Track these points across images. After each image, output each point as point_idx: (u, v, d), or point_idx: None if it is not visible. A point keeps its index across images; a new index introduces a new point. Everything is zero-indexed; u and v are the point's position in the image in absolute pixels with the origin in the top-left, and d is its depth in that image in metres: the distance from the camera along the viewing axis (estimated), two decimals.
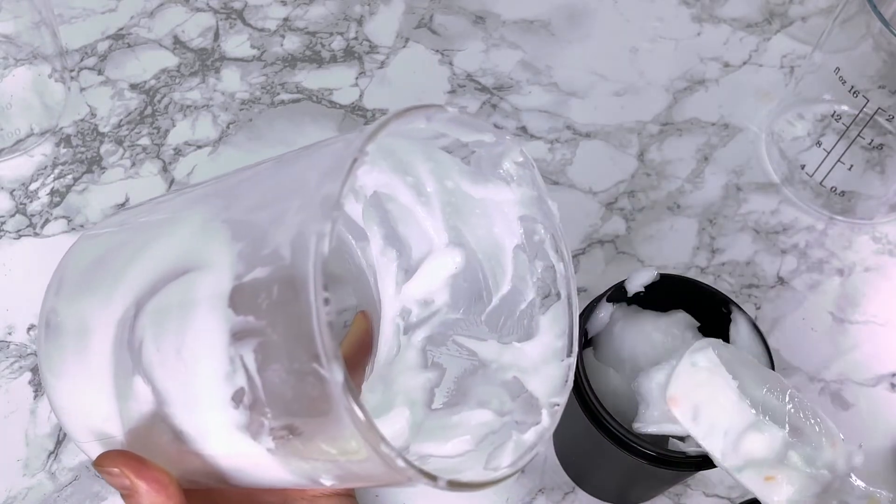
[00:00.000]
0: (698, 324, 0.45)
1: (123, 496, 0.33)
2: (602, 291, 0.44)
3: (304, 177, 0.29)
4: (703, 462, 0.41)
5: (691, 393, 0.39)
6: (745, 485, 0.38)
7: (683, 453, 0.41)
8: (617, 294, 0.44)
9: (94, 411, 0.33)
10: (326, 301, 0.25)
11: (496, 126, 0.35)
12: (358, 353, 0.40)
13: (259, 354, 0.28)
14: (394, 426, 0.35)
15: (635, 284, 0.44)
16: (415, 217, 0.38)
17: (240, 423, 0.29)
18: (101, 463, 0.32)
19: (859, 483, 0.38)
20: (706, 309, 0.45)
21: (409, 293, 0.39)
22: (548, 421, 0.34)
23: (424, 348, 0.39)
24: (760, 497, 0.38)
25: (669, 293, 0.44)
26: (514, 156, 0.35)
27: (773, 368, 0.42)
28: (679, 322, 0.45)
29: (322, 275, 0.25)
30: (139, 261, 0.32)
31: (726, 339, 0.43)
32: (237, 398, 0.28)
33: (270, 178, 0.31)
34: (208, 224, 0.31)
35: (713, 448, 0.38)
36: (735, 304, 0.44)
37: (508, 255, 0.38)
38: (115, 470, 0.32)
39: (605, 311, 0.44)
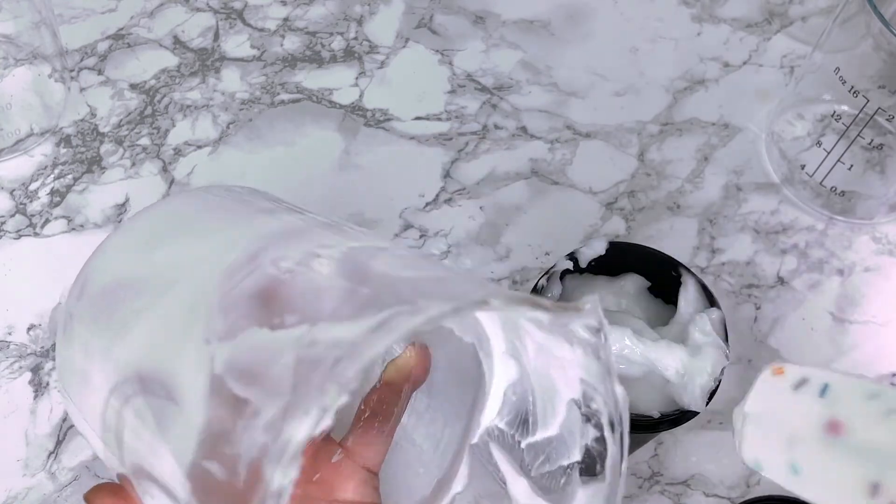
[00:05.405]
0: (649, 284, 0.48)
1: None
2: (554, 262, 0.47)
3: (282, 376, 0.26)
4: (664, 423, 0.43)
5: None
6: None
7: (649, 417, 0.42)
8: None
9: (91, 435, 0.33)
10: None
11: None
12: (401, 381, 0.39)
13: None
14: None
15: (585, 256, 0.46)
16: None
17: None
18: (89, 499, 0.32)
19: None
20: (658, 273, 0.47)
21: None
22: None
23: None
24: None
25: (622, 260, 0.47)
26: (588, 321, 0.30)
27: (725, 330, 0.44)
28: (630, 284, 0.47)
29: None
30: (138, 332, 0.31)
31: (675, 300, 0.46)
32: None
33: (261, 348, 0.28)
34: (198, 360, 0.28)
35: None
36: (685, 266, 0.46)
37: (563, 401, 0.35)
38: None
39: (557, 287, 0.46)
